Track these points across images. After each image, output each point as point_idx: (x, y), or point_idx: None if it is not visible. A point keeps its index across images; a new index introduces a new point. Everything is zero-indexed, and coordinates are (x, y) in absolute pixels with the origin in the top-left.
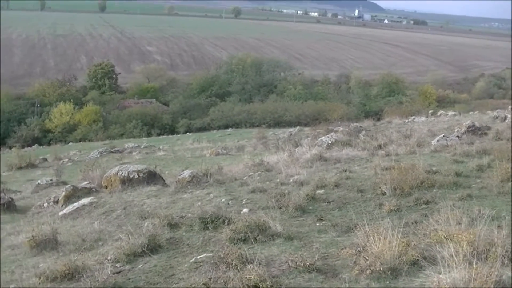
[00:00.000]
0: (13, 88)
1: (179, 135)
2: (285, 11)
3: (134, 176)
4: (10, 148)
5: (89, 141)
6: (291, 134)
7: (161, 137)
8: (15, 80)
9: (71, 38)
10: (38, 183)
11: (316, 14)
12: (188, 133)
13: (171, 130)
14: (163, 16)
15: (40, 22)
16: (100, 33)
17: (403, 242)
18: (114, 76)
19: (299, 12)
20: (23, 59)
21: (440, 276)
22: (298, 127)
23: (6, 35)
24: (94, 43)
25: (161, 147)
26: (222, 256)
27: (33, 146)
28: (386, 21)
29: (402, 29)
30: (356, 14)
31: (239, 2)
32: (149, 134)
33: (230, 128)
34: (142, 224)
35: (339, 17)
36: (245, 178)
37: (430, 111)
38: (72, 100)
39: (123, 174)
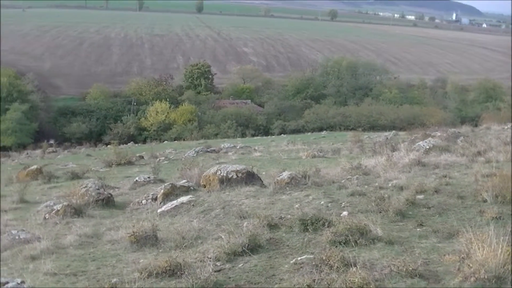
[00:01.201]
0: (110, 86)
1: (273, 137)
2: (381, 14)
3: (232, 176)
4: (107, 144)
5: (183, 140)
6: (387, 138)
7: (255, 138)
8: (113, 78)
9: (168, 38)
10: (136, 180)
11: (413, 17)
12: (282, 134)
13: (265, 131)
14: (259, 18)
15: (138, 22)
16: (197, 34)
17: (507, 250)
18: (210, 76)
19: (395, 15)
20: (121, 58)
21: None
22: (393, 131)
23: (104, 34)
24: (191, 43)
25: (256, 148)
26: (324, 258)
27: (128, 144)
28: (484, 25)
29: (500, 33)
30: (454, 17)
31: (335, 3)
32: (243, 135)
33: (324, 131)
34: (241, 223)
35: (436, 20)
36: (343, 181)
37: None
38: (168, 99)
39: (222, 174)
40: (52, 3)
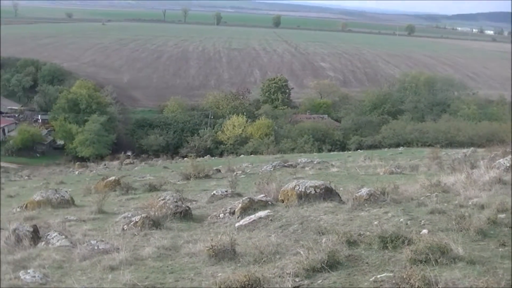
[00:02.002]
0: (188, 99)
1: (350, 152)
2: (459, 29)
3: (311, 191)
4: (183, 157)
5: (260, 154)
6: (465, 155)
7: (332, 153)
8: (191, 91)
9: (246, 52)
10: (214, 194)
11: (491, 32)
12: (359, 150)
13: (342, 147)
14: (337, 32)
15: (216, 36)
16: (274, 48)
17: None
18: (287, 90)
19: (474, 30)
20: (199, 71)
21: None
22: (471, 148)
23: (183, 47)
24: (268, 58)
25: (333, 163)
26: (404, 276)
27: (205, 157)
28: None
29: None
30: None
31: (413, 18)
32: (320, 150)
33: (401, 147)
34: (320, 239)
35: None
36: (422, 198)
37: None
38: (245, 113)
39: (300, 189)
40: (131, 17)
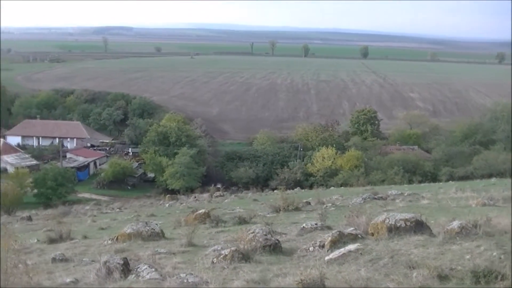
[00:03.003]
0: (277, 131)
1: (441, 183)
2: None
3: (401, 224)
4: (273, 189)
5: (350, 186)
6: None
7: (422, 184)
8: (280, 124)
9: (334, 83)
10: (303, 226)
11: None
12: (450, 181)
13: (433, 178)
14: (426, 62)
15: (304, 68)
16: (362, 79)
17: None
18: (376, 122)
19: None
20: (288, 103)
21: None
22: None
23: (271, 80)
24: (357, 89)
25: (424, 195)
26: None
27: (295, 189)
28: None
29: None
30: None
31: (503, 46)
32: (410, 181)
33: (494, 178)
34: (410, 274)
35: None
36: None
37: None
38: (334, 145)
39: (390, 222)
40: (219, 50)
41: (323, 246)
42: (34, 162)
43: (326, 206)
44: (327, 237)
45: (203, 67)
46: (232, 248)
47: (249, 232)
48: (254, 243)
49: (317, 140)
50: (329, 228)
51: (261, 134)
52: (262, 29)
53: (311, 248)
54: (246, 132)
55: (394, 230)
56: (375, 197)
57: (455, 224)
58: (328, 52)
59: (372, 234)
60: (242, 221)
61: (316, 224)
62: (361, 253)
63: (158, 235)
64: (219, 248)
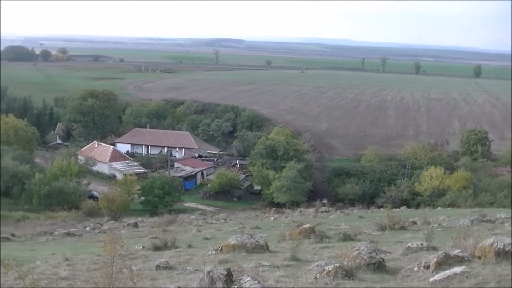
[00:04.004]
0: (385, 148)
1: None
2: None
3: (509, 249)
4: (379, 207)
5: (457, 207)
6: None
7: None
8: (388, 141)
9: (445, 102)
10: (408, 246)
11: None
12: None
13: None
14: None
15: (415, 85)
16: (474, 98)
17: None
18: (487, 142)
19: None
20: (397, 121)
21: None
22: None
23: (381, 96)
24: (468, 108)
25: None
26: None
27: (401, 208)
28: None
29: None
30: None
31: None
32: None
33: None
34: None
35: None
36: None
37: None
38: (442, 165)
39: (498, 246)
40: (330, 65)
41: (428, 267)
42: (142, 170)
43: (433, 226)
44: (433, 258)
45: (313, 81)
46: (336, 265)
47: (354, 249)
48: (358, 260)
49: (425, 159)
50: (434, 249)
51: (369, 151)
52: (373, 45)
53: (415, 269)
54: (354, 149)
55: (502, 254)
56: (483, 219)
57: None
58: (439, 70)
59: (479, 258)
60: (347, 237)
61: (421, 244)
62: (467, 276)
63: (262, 248)
64: (322, 264)
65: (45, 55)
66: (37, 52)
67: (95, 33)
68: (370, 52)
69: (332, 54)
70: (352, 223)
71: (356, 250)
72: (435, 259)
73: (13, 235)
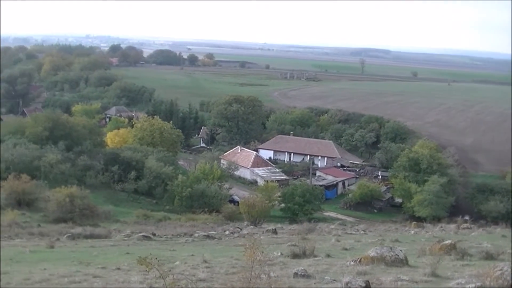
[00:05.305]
0: None
1: None
2: None
3: None
4: None
5: None
6: None
7: None
8: None
9: None
10: None
11: None
12: None
13: None
14: None
15: None
16: None
17: None
18: None
19: None
20: None
21: None
22: None
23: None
24: None
25: None
26: None
27: None
28: None
29: None
30: None
31: None
32: None
33: None
34: None
35: None
36: None
37: None
38: None
39: None
40: (478, 78)
41: None
42: (284, 177)
43: None
44: None
45: (460, 94)
46: (477, 284)
47: (497, 269)
48: (501, 281)
49: None
50: None
51: None
52: None
53: None
54: (500, 165)
55: None
56: None
57: None
58: None
59: None
60: (489, 256)
61: None
62: None
63: (402, 262)
64: (463, 282)
65: (192, 60)
66: (185, 56)
67: (241, 39)
68: None
69: (479, 67)
70: (495, 242)
71: (499, 270)
72: None
73: (154, 235)
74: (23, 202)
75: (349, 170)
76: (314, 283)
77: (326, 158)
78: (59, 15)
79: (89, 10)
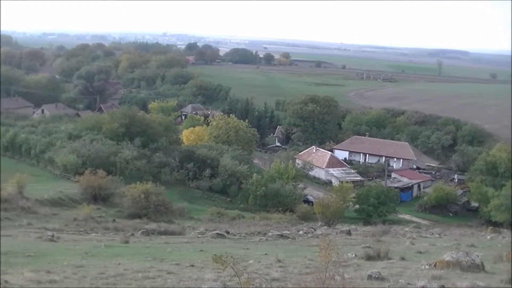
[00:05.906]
0: None
1: None
2: None
3: None
4: None
5: None
6: None
7: None
8: None
9: None
10: None
11: None
12: None
13: None
14: None
15: None
16: None
17: None
18: None
19: None
20: None
21: None
22: None
23: None
24: None
25: None
26: None
27: None
28: None
29: None
30: None
31: None
32: None
33: None
34: None
35: None
36: None
37: None
38: None
39: None
40: None
41: None
42: (359, 178)
43: None
44: None
45: None
46: None
47: None
48: None
49: None
50: None
51: None
52: None
53: None
54: None
55: None
56: None
57: None
58: None
59: None
60: None
61: None
62: None
63: (478, 267)
64: None
65: (268, 59)
66: (261, 55)
67: (318, 39)
68: None
69: None
70: None
71: None
72: None
73: (228, 233)
74: (98, 197)
75: (425, 173)
76: (388, 286)
77: (401, 160)
78: (137, 13)
79: (166, 8)
